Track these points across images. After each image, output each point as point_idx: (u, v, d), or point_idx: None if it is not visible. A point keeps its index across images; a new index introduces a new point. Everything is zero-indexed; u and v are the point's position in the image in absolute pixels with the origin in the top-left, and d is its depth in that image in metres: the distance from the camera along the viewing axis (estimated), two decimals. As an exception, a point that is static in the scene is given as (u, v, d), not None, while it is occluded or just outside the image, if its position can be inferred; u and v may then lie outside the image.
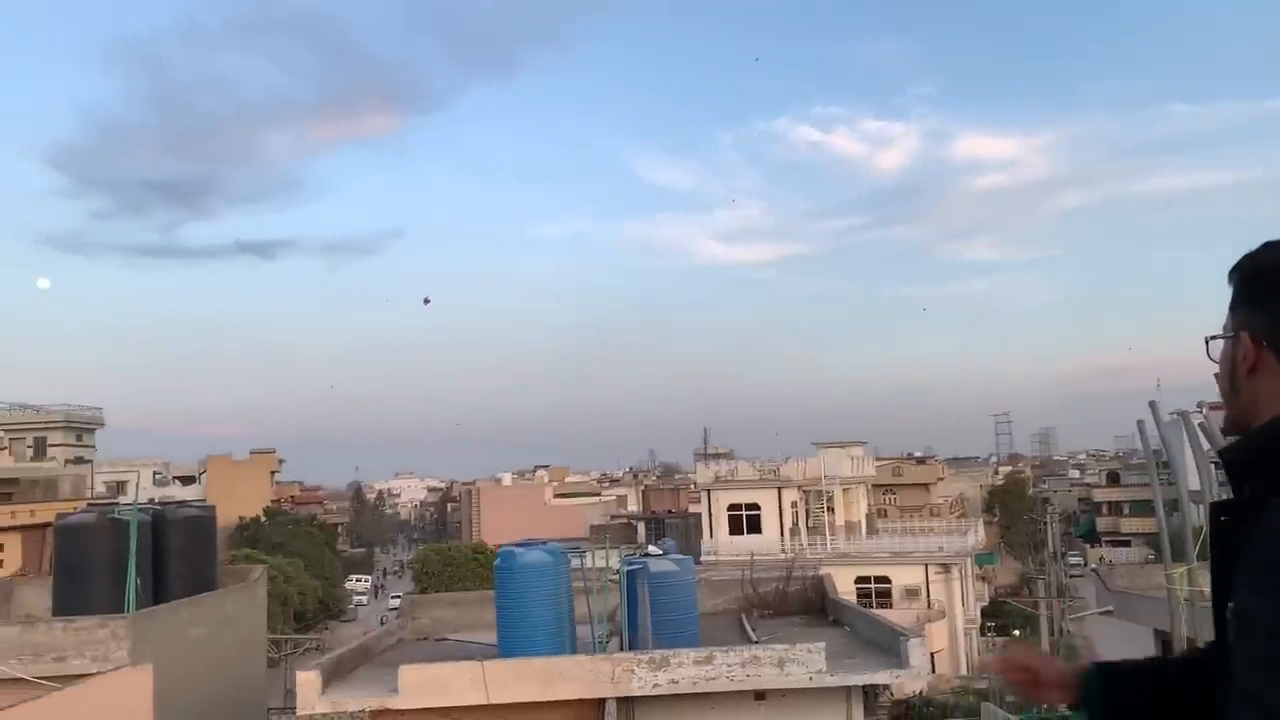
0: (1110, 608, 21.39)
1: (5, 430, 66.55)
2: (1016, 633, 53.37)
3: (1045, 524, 62.63)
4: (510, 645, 16.12)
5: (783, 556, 44.29)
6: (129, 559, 18.51)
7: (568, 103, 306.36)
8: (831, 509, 54.99)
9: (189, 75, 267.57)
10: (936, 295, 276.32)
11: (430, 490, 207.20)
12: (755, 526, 52.33)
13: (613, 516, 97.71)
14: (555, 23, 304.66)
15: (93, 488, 67.32)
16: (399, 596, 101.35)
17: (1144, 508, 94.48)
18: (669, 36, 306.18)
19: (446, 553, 77.16)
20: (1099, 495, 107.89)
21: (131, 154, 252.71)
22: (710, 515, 53.38)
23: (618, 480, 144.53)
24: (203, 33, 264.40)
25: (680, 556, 18.20)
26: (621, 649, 16.27)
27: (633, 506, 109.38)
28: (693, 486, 70.05)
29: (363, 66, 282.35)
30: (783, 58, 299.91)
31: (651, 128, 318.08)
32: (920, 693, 34.97)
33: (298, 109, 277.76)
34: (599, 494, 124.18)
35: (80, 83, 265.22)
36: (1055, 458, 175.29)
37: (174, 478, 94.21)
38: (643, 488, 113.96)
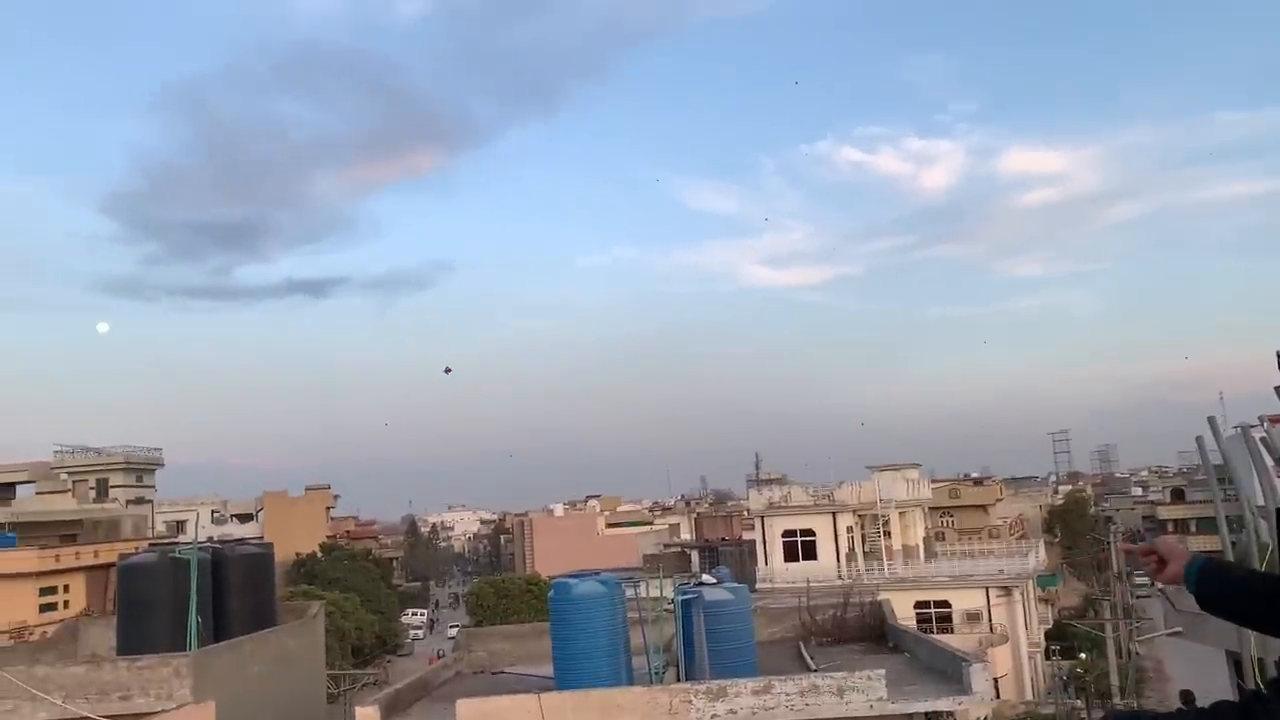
0: (1179, 628, 20.76)
1: (69, 473, 68.04)
2: (1083, 655, 52.09)
3: (1109, 543, 61.25)
4: (567, 677, 16.06)
5: (840, 583, 43.77)
6: (190, 597, 18.77)
7: (610, 134, 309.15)
8: (888, 533, 54.26)
9: (238, 119, 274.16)
10: (987, 313, 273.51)
11: (483, 522, 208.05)
12: (811, 553, 51.76)
13: (665, 545, 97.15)
14: (596, 56, 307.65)
15: (153, 527, 68.46)
16: (456, 625, 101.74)
17: (1211, 525, 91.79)
18: (707, 64, 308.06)
19: (501, 585, 77.26)
20: (1164, 513, 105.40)
21: (184, 198, 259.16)
22: (764, 542, 52.92)
23: (669, 508, 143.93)
24: (250, 77, 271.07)
25: (735, 585, 18.04)
26: (678, 679, 16.13)
27: (685, 535, 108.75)
28: (746, 513, 69.55)
29: (408, 106, 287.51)
30: (823, 80, 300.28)
31: (694, 155, 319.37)
32: (985, 718, 34.25)
33: (345, 149, 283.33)
34: (651, 523, 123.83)
35: (132, 130, 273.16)
36: (1117, 475, 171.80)
37: (231, 515, 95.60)
38: (695, 515, 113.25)
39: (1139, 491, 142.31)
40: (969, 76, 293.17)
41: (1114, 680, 40.84)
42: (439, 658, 42.52)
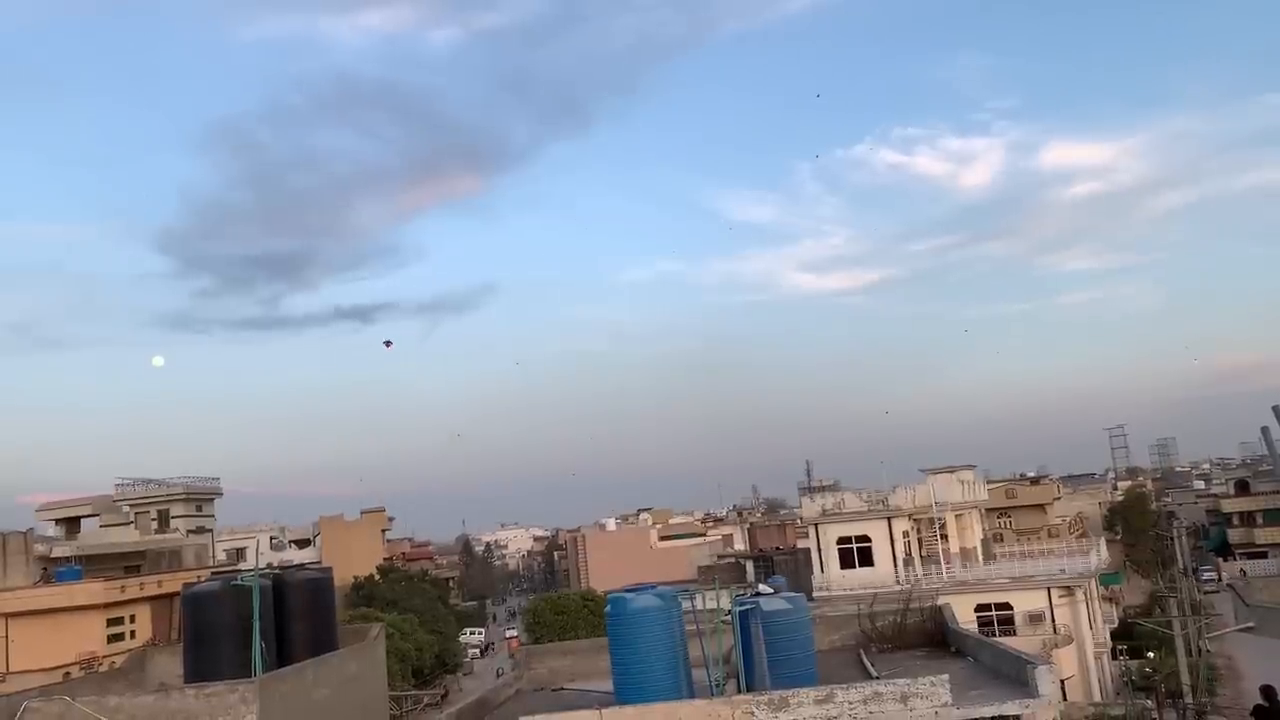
0: (1251, 623, 20.33)
1: (130, 505, 69.32)
2: (1151, 654, 51.00)
3: (1173, 539, 59.97)
4: (627, 692, 16.03)
5: (898, 588, 43.30)
6: (253, 624, 19.00)
7: (646, 149, 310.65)
8: (945, 536, 53.60)
9: (281, 153, 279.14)
10: (1037, 309, 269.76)
11: (536, 539, 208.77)
12: (867, 559, 51.25)
13: (719, 556, 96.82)
14: (628, 73, 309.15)
15: (214, 556, 69.48)
16: (512, 629, 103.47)
17: (1279, 517, 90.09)
18: (739, 75, 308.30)
19: (557, 602, 77.41)
20: (1228, 506, 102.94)
21: (231, 233, 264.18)
22: (820, 550, 52.50)
23: (722, 519, 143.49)
24: (291, 111, 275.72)
25: (792, 594, 17.93)
26: (739, 691, 16.04)
27: (739, 545, 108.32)
28: (799, 521, 69.09)
29: (445, 131, 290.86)
30: (857, 84, 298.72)
31: (730, 165, 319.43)
32: (1053, 722, 33.63)
33: (386, 177, 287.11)
34: (704, 534, 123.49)
35: (181, 168, 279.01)
36: (1177, 469, 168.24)
37: (290, 541, 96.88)
38: (748, 525, 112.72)
39: (1201, 485, 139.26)
40: (1005, 72, 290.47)
41: (1184, 679, 39.88)
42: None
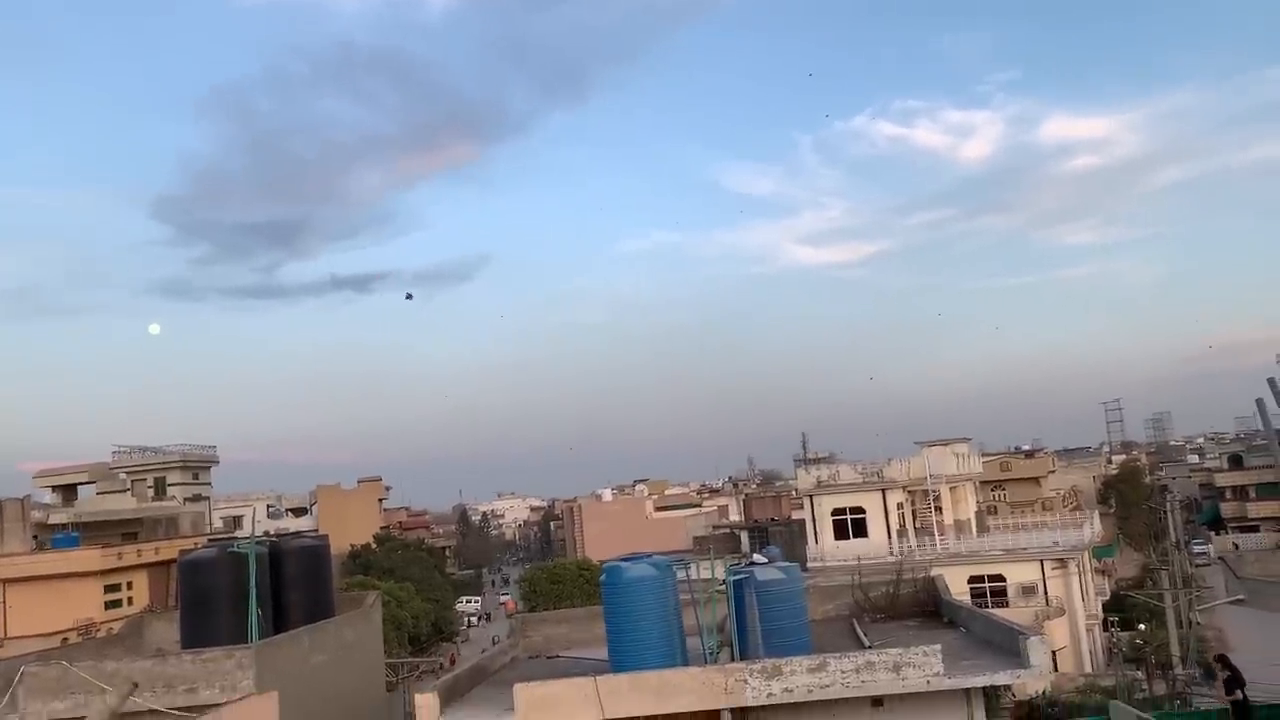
0: (1241, 596, 20.50)
1: (127, 473, 69.37)
2: (1142, 626, 51.38)
3: (1165, 512, 60.29)
4: (622, 659, 16.14)
5: (891, 559, 43.54)
6: (249, 591, 19.09)
7: (645, 119, 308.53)
8: (939, 508, 53.84)
9: (279, 121, 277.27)
10: (1034, 283, 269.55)
11: (533, 509, 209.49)
12: (861, 530, 51.53)
13: (715, 527, 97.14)
14: (628, 42, 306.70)
15: (211, 524, 69.63)
16: (506, 593, 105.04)
17: (1272, 490, 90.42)
18: (739, 45, 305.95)
19: (553, 571, 77.76)
20: (1221, 480, 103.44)
21: (229, 200, 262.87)
22: (814, 521, 52.75)
23: (718, 490, 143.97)
24: (289, 78, 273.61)
25: (786, 564, 18.01)
26: (733, 659, 16.14)
27: (734, 516, 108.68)
28: (794, 493, 69.33)
29: (443, 99, 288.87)
30: (857, 55, 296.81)
31: (730, 136, 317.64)
32: (1044, 692, 33.89)
33: (384, 145, 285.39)
34: (699, 505, 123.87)
35: (178, 134, 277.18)
36: (1172, 443, 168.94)
37: (286, 510, 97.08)
38: (743, 496, 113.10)
39: (1195, 459, 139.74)
40: (1006, 45, 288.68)
41: (1175, 650, 40.20)
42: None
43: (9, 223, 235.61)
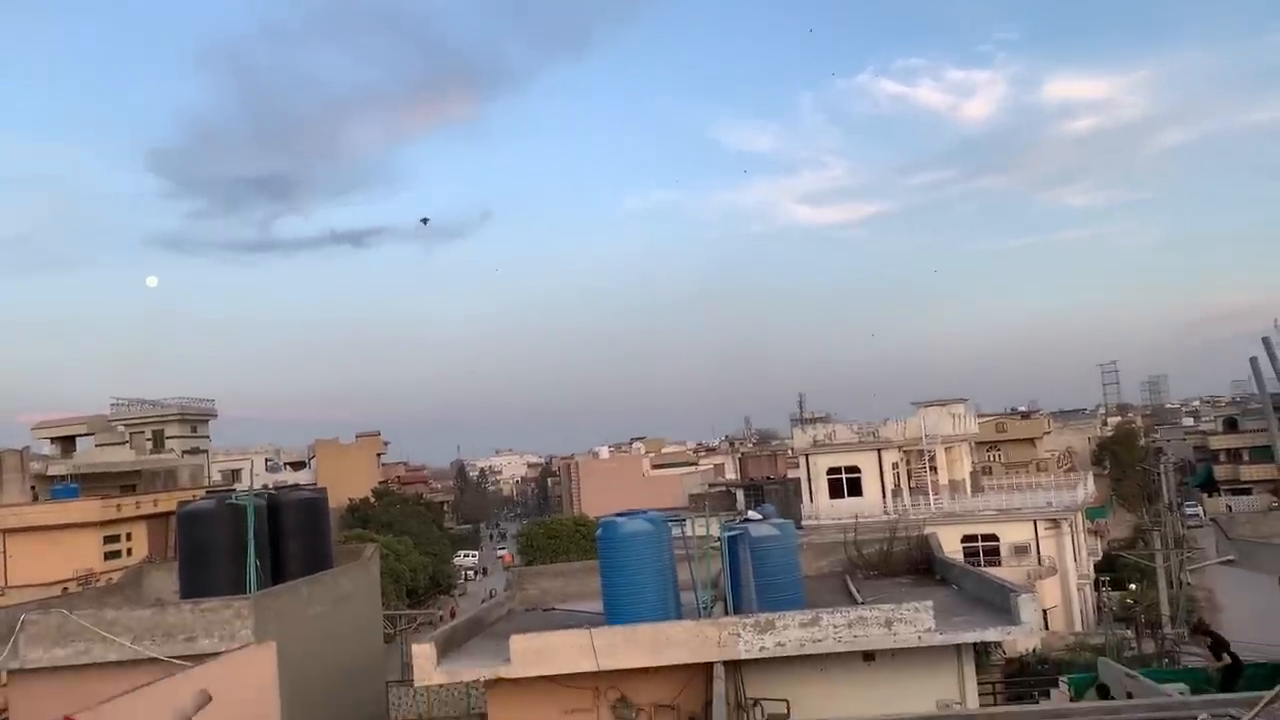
0: (1231, 557, 20.61)
1: (126, 425, 69.56)
2: (1133, 586, 51.85)
3: (1159, 474, 60.58)
4: (616, 613, 16.31)
5: (886, 518, 43.83)
6: (248, 542, 19.22)
7: (645, 75, 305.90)
8: (934, 469, 54.09)
9: (276, 75, 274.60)
10: (1034, 245, 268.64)
11: (530, 466, 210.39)
12: (856, 489, 51.80)
13: (711, 485, 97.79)
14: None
15: (209, 477, 69.95)
16: (504, 547, 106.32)
17: (1265, 454, 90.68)
18: (741, 2, 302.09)
19: (550, 526, 78.31)
20: (1216, 443, 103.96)
21: (226, 154, 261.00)
22: (809, 480, 53.01)
23: (714, 449, 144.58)
24: (286, 32, 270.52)
25: (781, 520, 18.13)
26: (726, 613, 16.31)
27: (730, 474, 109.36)
28: (790, 452, 69.58)
29: (441, 54, 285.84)
30: (860, 12, 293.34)
31: (730, 93, 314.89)
32: (1034, 650, 34.31)
33: (382, 100, 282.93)
34: (696, 463, 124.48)
35: (175, 88, 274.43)
36: (1167, 406, 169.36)
37: (285, 463, 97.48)
38: (740, 455, 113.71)
39: (1190, 422, 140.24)
40: (1009, 4, 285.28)
41: (1164, 610, 40.63)
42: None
43: (5, 175, 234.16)
